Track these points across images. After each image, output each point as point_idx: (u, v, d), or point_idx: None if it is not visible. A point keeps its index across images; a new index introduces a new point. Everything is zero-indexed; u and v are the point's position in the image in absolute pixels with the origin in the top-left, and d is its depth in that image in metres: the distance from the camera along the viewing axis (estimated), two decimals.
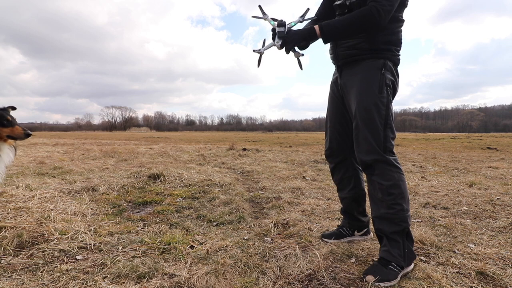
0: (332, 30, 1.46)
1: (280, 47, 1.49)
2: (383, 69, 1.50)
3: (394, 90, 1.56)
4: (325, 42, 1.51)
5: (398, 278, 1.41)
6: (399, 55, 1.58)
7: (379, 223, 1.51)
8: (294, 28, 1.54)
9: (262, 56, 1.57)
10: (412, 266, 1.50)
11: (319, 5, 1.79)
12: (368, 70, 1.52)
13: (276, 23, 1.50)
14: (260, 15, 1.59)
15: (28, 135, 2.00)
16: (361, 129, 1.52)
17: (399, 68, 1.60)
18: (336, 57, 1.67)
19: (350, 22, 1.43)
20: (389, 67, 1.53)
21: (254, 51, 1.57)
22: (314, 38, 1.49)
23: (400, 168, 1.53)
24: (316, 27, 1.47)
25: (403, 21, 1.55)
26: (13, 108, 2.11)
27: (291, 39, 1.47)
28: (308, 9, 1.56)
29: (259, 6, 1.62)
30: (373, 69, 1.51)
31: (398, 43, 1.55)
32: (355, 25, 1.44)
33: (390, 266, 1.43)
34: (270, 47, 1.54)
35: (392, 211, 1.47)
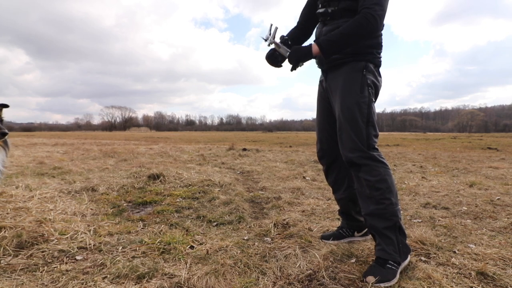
0: (331, 46, 1.48)
1: (291, 65, 1.57)
2: (365, 70, 1.55)
3: (376, 89, 1.61)
4: (326, 58, 1.54)
5: (397, 276, 1.42)
6: (380, 57, 1.63)
7: (370, 220, 1.54)
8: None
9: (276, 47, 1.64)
10: (408, 259, 1.52)
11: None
12: (350, 72, 1.57)
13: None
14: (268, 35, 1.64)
15: (4, 134, 1.87)
16: (344, 128, 1.56)
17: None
18: (320, 61, 1.72)
19: (348, 34, 1.46)
20: (371, 68, 1.57)
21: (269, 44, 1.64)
22: (310, 57, 1.54)
23: (385, 163, 1.56)
24: (314, 45, 1.50)
25: (382, 27, 1.56)
26: (5, 106, 1.97)
27: (293, 56, 1.53)
28: (277, 27, 1.61)
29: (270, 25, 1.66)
30: (355, 70, 1.56)
31: (378, 46, 1.60)
32: (353, 35, 1.46)
33: (388, 265, 1.43)
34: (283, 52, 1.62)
35: (381, 206, 1.49)
